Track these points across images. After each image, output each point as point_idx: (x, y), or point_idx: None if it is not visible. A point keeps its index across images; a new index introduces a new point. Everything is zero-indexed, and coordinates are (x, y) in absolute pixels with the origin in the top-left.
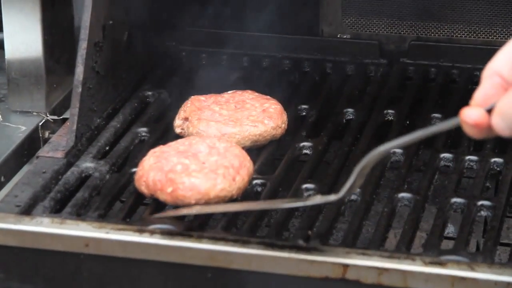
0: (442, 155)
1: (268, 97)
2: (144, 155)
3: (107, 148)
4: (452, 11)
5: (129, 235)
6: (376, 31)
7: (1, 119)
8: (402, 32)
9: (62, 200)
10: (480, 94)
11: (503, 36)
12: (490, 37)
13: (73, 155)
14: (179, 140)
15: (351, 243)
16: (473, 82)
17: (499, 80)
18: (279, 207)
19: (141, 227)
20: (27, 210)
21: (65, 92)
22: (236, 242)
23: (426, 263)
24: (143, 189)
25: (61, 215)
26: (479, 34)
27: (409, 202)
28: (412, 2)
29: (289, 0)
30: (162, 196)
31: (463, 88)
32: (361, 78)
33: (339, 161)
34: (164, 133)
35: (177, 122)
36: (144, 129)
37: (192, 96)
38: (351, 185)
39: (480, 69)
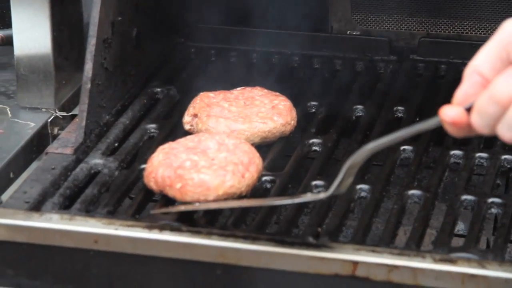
0: (452, 152)
1: (278, 93)
2: (153, 151)
3: (116, 144)
4: (462, 8)
5: (138, 231)
6: (386, 27)
7: (10, 116)
8: (412, 29)
9: (71, 196)
10: (460, 93)
11: None
12: None
13: (82, 152)
14: (188, 137)
15: (361, 240)
16: None
17: (479, 79)
18: (268, 204)
19: (150, 224)
20: (36, 207)
21: (74, 88)
22: (245, 238)
23: (436, 261)
24: (152, 185)
25: (70, 212)
26: (489, 31)
27: (419, 199)
28: None
29: None
30: (171, 192)
31: None
32: (371, 74)
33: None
34: (173, 130)
35: (186, 118)
36: (153, 125)
37: (201, 93)
38: (339, 183)
39: None
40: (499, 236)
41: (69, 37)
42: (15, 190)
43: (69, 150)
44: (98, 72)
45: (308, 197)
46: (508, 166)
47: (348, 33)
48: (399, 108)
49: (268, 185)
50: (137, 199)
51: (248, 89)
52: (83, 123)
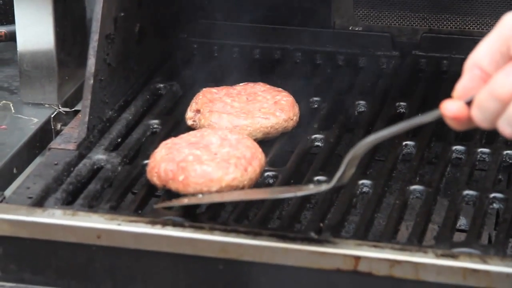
0: (454, 147)
1: (280, 89)
2: (156, 147)
3: (119, 140)
4: (464, 3)
5: (141, 227)
6: (388, 23)
7: (14, 111)
8: (414, 24)
9: (74, 192)
10: (460, 86)
11: None
12: None
13: (85, 147)
14: (191, 132)
15: (363, 235)
16: None
17: (478, 73)
18: (271, 197)
19: (153, 219)
20: (39, 202)
21: (77, 84)
22: (247, 234)
23: (438, 256)
24: (155, 180)
25: (73, 207)
26: (491, 26)
27: (421, 195)
28: None
29: None
30: (174, 185)
31: None
32: (373, 70)
33: None
34: (176, 125)
35: (189, 114)
36: (156, 121)
37: (204, 88)
38: (341, 175)
39: None
40: (501, 231)
41: (72, 33)
42: (18, 186)
43: (72, 146)
44: (101, 68)
45: (310, 189)
46: (510, 161)
47: (350, 28)
48: (401, 103)
49: (271, 181)
50: (139, 194)
51: (251, 84)
52: (86, 118)
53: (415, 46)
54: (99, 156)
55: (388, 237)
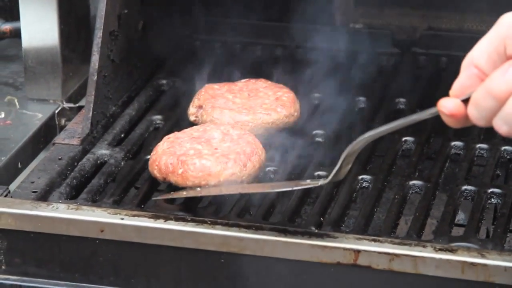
0: (453, 143)
1: (281, 85)
2: (158, 142)
3: (122, 135)
4: (463, 1)
5: (143, 221)
6: (388, 21)
7: (18, 107)
8: (413, 22)
9: (78, 186)
10: (457, 85)
11: None
12: None
13: (88, 142)
14: (194, 127)
15: (363, 229)
16: None
17: (475, 71)
18: (268, 190)
19: (155, 213)
20: (44, 196)
21: (81, 80)
22: (248, 228)
23: (437, 250)
24: (156, 173)
25: (76, 201)
26: (490, 24)
27: (420, 190)
28: None
29: None
30: (173, 178)
31: None
32: (373, 67)
33: None
34: (179, 121)
35: (191, 110)
36: (159, 116)
37: (206, 84)
38: (336, 170)
39: None
40: (498, 226)
41: (76, 30)
42: (23, 180)
43: (76, 141)
44: (104, 64)
45: (307, 184)
46: (508, 157)
47: (351, 26)
48: (401, 100)
49: (272, 176)
50: (142, 189)
51: (252, 81)
52: (90, 114)
53: (415, 43)
54: (102, 151)
55: (387, 232)
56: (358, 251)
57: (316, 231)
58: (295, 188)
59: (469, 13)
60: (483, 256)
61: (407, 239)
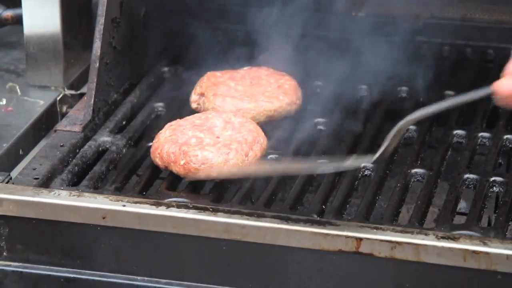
0: (455, 131)
1: (283, 73)
2: (160, 129)
3: (124, 122)
4: None
5: (145, 208)
6: (391, 9)
7: (20, 94)
8: (416, 11)
9: (80, 173)
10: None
11: None
12: (504, 16)
13: (90, 129)
14: (196, 115)
15: (365, 217)
16: (486, 60)
17: None
18: (307, 171)
19: (157, 200)
20: (45, 183)
21: (82, 67)
22: (250, 215)
23: (439, 238)
24: (158, 161)
25: (78, 188)
26: (492, 13)
27: (422, 178)
28: None
29: None
30: (175, 168)
31: (476, 66)
32: (376, 55)
33: (353, 136)
34: (180, 108)
35: (193, 97)
36: (161, 104)
37: (208, 72)
38: (384, 149)
39: (493, 47)
40: (500, 214)
41: (78, 16)
42: (24, 167)
43: (77, 128)
44: (106, 51)
45: (349, 163)
46: (510, 145)
47: (353, 14)
48: (403, 88)
49: None
50: (144, 176)
51: (254, 68)
52: (92, 101)
53: (418, 32)
54: (104, 138)
55: (389, 220)
56: (360, 239)
57: (318, 219)
58: (339, 168)
59: (472, 2)
60: (485, 244)
61: (409, 227)
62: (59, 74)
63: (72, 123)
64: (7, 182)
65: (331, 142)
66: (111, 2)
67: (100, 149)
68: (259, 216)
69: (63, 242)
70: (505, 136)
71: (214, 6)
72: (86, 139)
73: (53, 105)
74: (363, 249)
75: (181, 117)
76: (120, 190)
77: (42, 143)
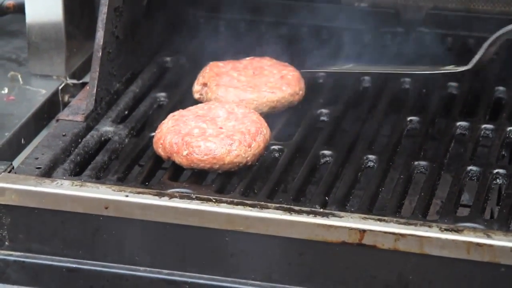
0: (458, 123)
1: (286, 64)
2: (162, 119)
3: (126, 112)
4: None
5: (148, 198)
6: (394, 0)
7: (22, 83)
8: (419, 1)
9: (82, 163)
10: None
11: None
12: (507, 7)
13: (92, 119)
14: (199, 105)
15: (368, 209)
16: None
17: None
18: (405, 71)
19: (160, 191)
20: (48, 173)
21: (84, 56)
22: (253, 206)
23: (442, 230)
24: (160, 151)
25: (81, 178)
26: (496, 4)
27: (425, 170)
28: None
29: None
30: (177, 159)
31: None
32: (378, 46)
33: (356, 128)
34: (183, 98)
35: (196, 87)
36: (163, 94)
37: (211, 62)
38: (480, 57)
39: None
40: (504, 207)
41: (80, 6)
42: (27, 156)
43: (80, 117)
44: (109, 40)
45: (448, 68)
46: None
47: (356, 5)
48: (406, 79)
49: (276, 154)
50: (146, 166)
51: (257, 59)
52: (94, 90)
53: (420, 22)
54: (106, 128)
55: (392, 211)
56: (363, 231)
57: (321, 210)
58: (435, 72)
59: None
60: (489, 237)
61: (413, 219)
62: (61, 63)
63: (74, 112)
64: (9, 172)
65: (334, 133)
66: None
67: (103, 139)
68: (262, 207)
69: (65, 232)
70: (508, 128)
71: None
72: (88, 128)
73: (55, 95)
74: (367, 240)
75: (183, 107)
76: (122, 180)
77: (44, 132)
